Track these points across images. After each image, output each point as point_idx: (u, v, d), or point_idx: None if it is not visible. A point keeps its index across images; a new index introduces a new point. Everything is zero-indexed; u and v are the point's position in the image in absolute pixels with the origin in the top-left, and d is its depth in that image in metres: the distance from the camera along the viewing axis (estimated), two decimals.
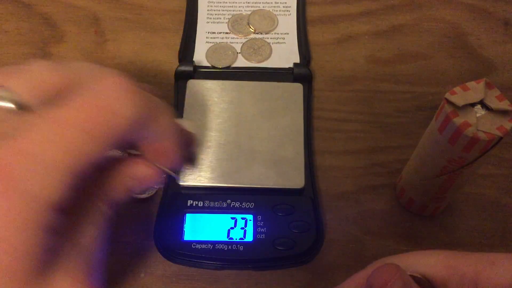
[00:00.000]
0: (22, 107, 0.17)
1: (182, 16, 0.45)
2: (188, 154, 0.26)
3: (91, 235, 0.19)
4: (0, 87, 0.18)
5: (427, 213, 0.35)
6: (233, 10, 0.45)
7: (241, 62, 0.41)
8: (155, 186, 0.23)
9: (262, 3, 0.45)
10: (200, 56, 0.42)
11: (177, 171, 0.25)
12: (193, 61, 0.41)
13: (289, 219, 0.33)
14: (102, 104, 0.17)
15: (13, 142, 0.15)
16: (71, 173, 0.16)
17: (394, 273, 0.20)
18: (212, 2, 0.46)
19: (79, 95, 0.17)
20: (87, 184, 0.18)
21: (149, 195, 0.35)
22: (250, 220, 0.33)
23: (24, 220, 0.14)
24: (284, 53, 0.42)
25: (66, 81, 0.19)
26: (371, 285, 0.21)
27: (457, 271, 0.21)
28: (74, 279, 0.17)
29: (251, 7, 0.45)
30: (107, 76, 0.18)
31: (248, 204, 0.33)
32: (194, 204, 0.33)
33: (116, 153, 0.22)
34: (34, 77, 0.18)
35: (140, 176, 0.22)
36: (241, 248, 0.32)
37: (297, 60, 0.41)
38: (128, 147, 0.23)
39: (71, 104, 0.17)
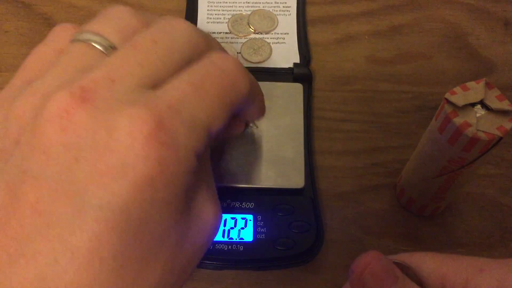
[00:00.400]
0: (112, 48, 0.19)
1: (182, 16, 0.45)
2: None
3: (209, 169, 0.22)
4: (88, 31, 0.19)
5: (427, 213, 0.35)
6: (233, 10, 0.45)
7: (241, 62, 0.41)
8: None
9: (262, 3, 0.45)
10: None
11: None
12: None
13: (289, 219, 0.33)
14: (231, 78, 0.20)
15: (165, 96, 0.17)
16: (208, 131, 0.18)
17: (374, 256, 0.22)
18: (212, 2, 0.46)
19: (210, 63, 0.19)
20: None
21: None
22: (250, 220, 0.33)
23: (183, 166, 0.17)
24: (284, 53, 0.42)
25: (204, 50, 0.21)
26: (352, 272, 0.22)
27: (447, 280, 0.21)
28: (209, 201, 0.20)
29: (251, 7, 0.45)
30: (223, 53, 0.21)
31: (248, 204, 0.33)
32: None
33: None
34: (120, 21, 0.20)
35: (232, 130, 0.24)
36: (241, 248, 0.32)
37: (297, 60, 0.41)
38: None
39: (208, 72, 0.19)
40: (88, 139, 0.16)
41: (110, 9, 0.20)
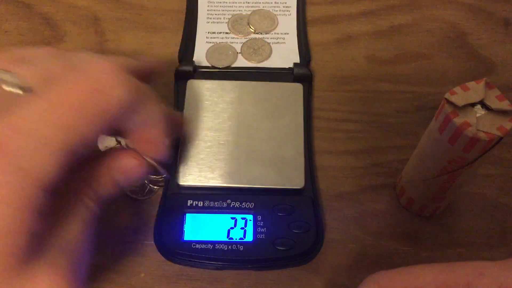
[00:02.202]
0: (25, 91, 0.18)
1: (182, 16, 0.45)
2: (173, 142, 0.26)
3: (76, 230, 0.19)
4: (7, 72, 0.18)
5: (427, 213, 0.35)
6: (233, 10, 0.45)
7: (241, 62, 0.41)
8: (143, 181, 0.23)
9: (262, 3, 0.45)
10: (200, 56, 0.42)
11: (165, 166, 0.25)
12: (193, 61, 0.41)
13: (289, 219, 0.33)
14: (95, 85, 0.18)
15: (8, 118, 0.16)
16: (63, 151, 0.16)
17: None
18: (212, 2, 0.46)
19: (73, 76, 0.18)
20: (74, 178, 0.18)
21: (150, 195, 0.35)
22: (250, 220, 0.33)
23: (16, 197, 0.14)
24: (284, 53, 0.42)
25: (66, 68, 0.19)
26: None
27: (449, 286, 0.21)
28: (56, 274, 0.17)
29: (251, 7, 0.45)
30: (101, 61, 0.19)
31: (248, 204, 0.33)
32: (194, 204, 0.33)
33: (106, 142, 0.22)
34: (39, 64, 0.19)
35: (127, 168, 0.22)
36: (241, 248, 0.32)
37: (297, 60, 0.41)
38: (117, 134, 0.22)
39: (65, 85, 0.17)
40: None
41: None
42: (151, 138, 0.22)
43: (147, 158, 0.22)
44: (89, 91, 0.18)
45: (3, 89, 0.17)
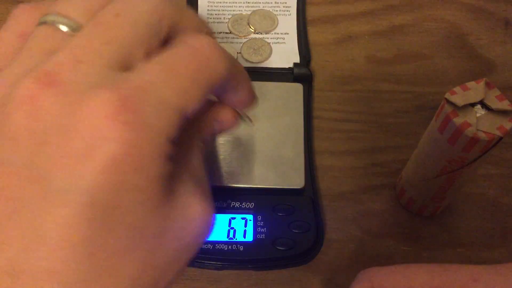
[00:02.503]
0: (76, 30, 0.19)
1: None
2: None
3: (199, 165, 0.21)
4: (53, 13, 0.19)
5: (427, 213, 0.35)
6: (233, 10, 0.45)
7: (241, 62, 0.41)
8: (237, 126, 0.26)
9: (262, 3, 0.45)
10: None
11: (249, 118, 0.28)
12: None
13: (289, 219, 0.33)
14: (205, 57, 0.19)
15: (134, 78, 0.17)
16: (181, 113, 0.18)
17: None
18: (212, 2, 0.46)
19: (184, 44, 0.19)
20: (187, 128, 0.21)
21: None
22: (250, 220, 0.33)
23: (152, 149, 0.16)
24: (284, 53, 0.42)
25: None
26: None
27: None
28: (196, 196, 0.19)
29: (251, 7, 0.45)
30: (202, 35, 0.20)
31: (248, 204, 0.33)
32: None
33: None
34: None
35: (223, 119, 0.24)
36: (241, 248, 0.32)
37: (297, 60, 0.41)
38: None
39: (180, 53, 0.19)
40: (54, 123, 0.16)
41: None
42: (241, 99, 0.24)
43: (239, 111, 0.25)
44: (201, 63, 0.19)
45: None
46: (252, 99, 0.25)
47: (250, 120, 0.31)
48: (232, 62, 0.21)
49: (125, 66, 0.18)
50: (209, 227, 0.20)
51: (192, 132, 0.22)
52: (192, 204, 0.19)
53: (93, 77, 0.17)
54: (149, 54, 0.18)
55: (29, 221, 0.15)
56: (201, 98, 0.19)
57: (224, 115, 0.24)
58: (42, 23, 0.18)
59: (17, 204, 0.15)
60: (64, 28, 0.18)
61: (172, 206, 0.18)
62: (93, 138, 0.15)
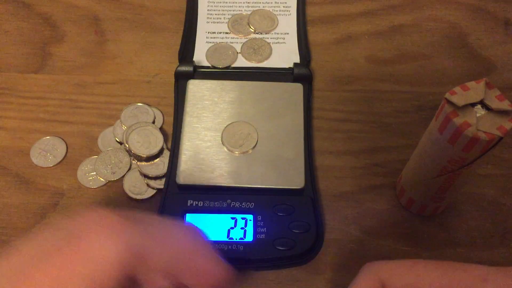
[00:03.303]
0: None
1: (182, 16, 0.45)
2: None
3: None
4: None
5: (427, 213, 0.35)
6: (233, 10, 0.45)
7: (241, 62, 0.41)
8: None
9: (262, 3, 0.45)
10: (200, 56, 0.42)
11: None
12: (193, 61, 0.41)
13: (289, 219, 0.33)
14: (78, 248, 0.18)
15: None
16: None
17: None
18: (212, 2, 0.46)
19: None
20: None
21: (150, 195, 0.35)
22: (250, 220, 0.33)
23: None
24: (284, 53, 0.42)
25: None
26: None
27: None
28: None
29: (251, 7, 0.45)
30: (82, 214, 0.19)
31: (248, 204, 0.33)
32: (194, 204, 0.33)
33: None
34: None
35: None
36: (241, 248, 0.32)
37: (297, 60, 0.41)
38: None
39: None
40: None
41: None
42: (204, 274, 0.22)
43: None
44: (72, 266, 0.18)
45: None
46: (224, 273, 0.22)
47: None
48: (137, 241, 0.19)
49: None
50: None
51: None
52: None
53: None
54: None
55: None
56: None
57: None
58: None
59: None
60: None
61: None
62: None
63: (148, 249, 0.20)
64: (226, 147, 0.35)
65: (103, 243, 0.18)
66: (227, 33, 0.43)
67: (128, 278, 0.19)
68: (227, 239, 0.32)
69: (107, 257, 0.18)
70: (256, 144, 0.36)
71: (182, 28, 0.44)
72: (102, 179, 0.36)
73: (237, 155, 0.35)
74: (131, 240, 0.19)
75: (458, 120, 0.26)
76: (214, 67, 0.41)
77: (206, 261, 0.21)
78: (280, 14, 0.45)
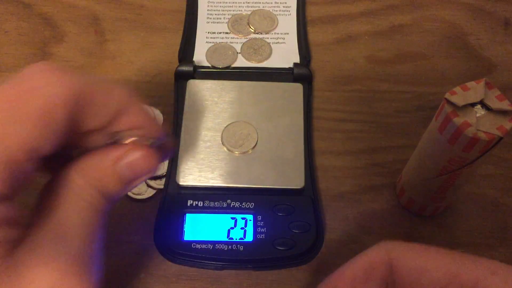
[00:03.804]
0: None
1: (182, 16, 0.45)
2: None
3: (77, 227, 0.18)
4: None
5: (427, 213, 0.35)
6: (233, 10, 0.45)
7: (241, 62, 0.41)
8: (153, 174, 0.21)
9: (262, 3, 0.45)
10: (200, 56, 0.42)
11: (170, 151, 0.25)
12: (193, 61, 0.41)
13: (289, 219, 0.33)
14: (30, 88, 0.17)
15: None
16: (5, 164, 0.15)
17: None
18: (212, 2, 0.46)
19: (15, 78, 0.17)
20: (68, 174, 0.18)
21: (150, 195, 0.35)
22: (250, 220, 0.33)
23: None
24: (284, 53, 0.42)
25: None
26: None
27: (458, 278, 0.20)
28: (46, 267, 0.16)
29: (251, 7, 0.45)
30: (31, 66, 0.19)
31: (248, 204, 0.33)
32: (194, 204, 0.33)
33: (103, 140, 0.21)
34: None
35: (132, 161, 0.20)
36: (241, 248, 0.32)
37: (297, 60, 0.41)
38: (107, 133, 0.21)
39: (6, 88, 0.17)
40: None
41: None
42: (137, 120, 0.21)
43: (149, 141, 0.21)
44: (21, 93, 0.17)
45: None
46: (147, 117, 0.22)
47: (173, 139, 0.25)
48: (79, 83, 0.19)
49: None
50: None
51: (83, 180, 0.19)
52: (36, 278, 0.15)
53: None
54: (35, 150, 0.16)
55: None
56: (40, 138, 0.17)
57: (132, 155, 0.20)
58: None
59: None
60: None
61: (10, 278, 0.15)
62: None
63: (92, 89, 0.19)
64: (226, 147, 0.35)
65: (49, 81, 0.18)
66: (227, 33, 0.43)
67: (74, 118, 0.18)
68: (227, 239, 0.32)
69: (55, 91, 0.18)
70: (256, 144, 0.36)
71: (182, 28, 0.44)
72: None
73: (237, 155, 0.35)
74: (74, 79, 0.19)
75: (458, 120, 0.26)
76: (214, 67, 0.41)
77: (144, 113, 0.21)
78: (280, 14, 0.45)
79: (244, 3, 0.45)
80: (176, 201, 0.34)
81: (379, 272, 0.22)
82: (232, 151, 0.35)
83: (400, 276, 0.21)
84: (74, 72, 0.19)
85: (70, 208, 0.18)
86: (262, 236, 0.32)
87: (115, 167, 0.20)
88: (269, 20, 0.44)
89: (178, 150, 0.35)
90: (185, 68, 0.40)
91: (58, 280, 0.16)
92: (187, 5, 0.45)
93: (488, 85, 0.26)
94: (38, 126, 0.17)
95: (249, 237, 0.32)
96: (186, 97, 0.38)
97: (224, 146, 0.35)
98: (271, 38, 0.43)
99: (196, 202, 0.33)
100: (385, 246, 0.23)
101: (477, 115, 0.26)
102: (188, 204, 0.33)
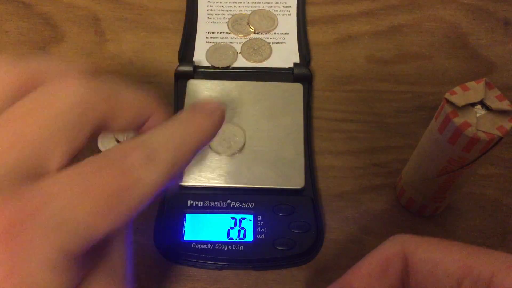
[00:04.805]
0: None
1: (182, 16, 0.45)
2: None
3: (117, 258, 0.19)
4: None
5: (427, 213, 0.35)
6: (233, 10, 0.45)
7: (241, 62, 0.41)
8: None
9: (262, 3, 0.45)
10: (200, 56, 0.42)
11: None
12: (193, 61, 0.41)
13: (289, 219, 0.33)
14: (132, 179, 0.17)
15: (36, 190, 0.15)
16: (88, 237, 0.16)
17: None
18: (212, 2, 0.46)
19: (107, 155, 0.17)
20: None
21: None
22: (250, 220, 0.33)
23: (33, 277, 0.14)
24: (284, 53, 0.42)
25: (25, 77, 0.17)
26: None
27: (473, 271, 0.20)
28: None
29: (251, 7, 0.45)
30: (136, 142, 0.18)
31: (248, 204, 0.33)
32: (194, 204, 0.33)
33: (105, 142, 0.21)
34: None
35: None
36: (241, 248, 0.32)
37: (297, 60, 0.41)
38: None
39: (100, 165, 0.17)
40: None
41: None
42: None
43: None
44: (125, 183, 0.17)
45: None
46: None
47: None
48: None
49: (34, 172, 0.15)
50: None
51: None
52: None
53: None
54: (71, 155, 0.16)
55: None
56: (120, 222, 0.16)
57: None
58: None
59: None
60: None
61: None
62: None
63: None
64: (226, 147, 0.35)
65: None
66: (227, 33, 0.43)
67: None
68: (227, 239, 0.32)
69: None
70: (255, 144, 0.36)
71: (182, 28, 0.44)
72: None
73: (237, 155, 0.35)
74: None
75: (458, 120, 0.26)
76: (214, 67, 0.41)
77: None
78: (280, 14, 0.45)
79: (244, 3, 0.45)
80: (176, 201, 0.34)
81: (396, 266, 0.21)
82: (232, 151, 0.35)
83: (414, 269, 0.21)
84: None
85: (113, 247, 0.19)
86: (262, 236, 0.32)
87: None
88: (269, 20, 0.44)
89: None
90: (185, 68, 0.40)
91: None
92: (187, 5, 0.45)
93: (488, 85, 0.26)
94: (127, 216, 0.17)
95: (249, 237, 0.32)
96: (186, 97, 0.38)
97: (224, 146, 0.35)
98: (271, 38, 0.43)
99: (196, 202, 0.33)
100: (400, 240, 0.22)
101: (477, 115, 0.26)
102: (188, 204, 0.33)
